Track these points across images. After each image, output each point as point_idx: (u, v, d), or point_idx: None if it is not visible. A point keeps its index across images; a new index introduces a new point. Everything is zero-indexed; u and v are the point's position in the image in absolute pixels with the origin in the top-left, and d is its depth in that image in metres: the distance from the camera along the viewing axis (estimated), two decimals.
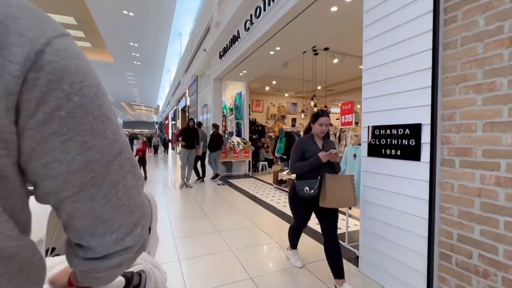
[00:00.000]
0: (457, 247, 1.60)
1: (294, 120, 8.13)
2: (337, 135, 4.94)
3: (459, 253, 1.59)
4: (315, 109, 5.73)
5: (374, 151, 2.13)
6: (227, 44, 5.91)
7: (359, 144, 2.71)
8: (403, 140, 1.88)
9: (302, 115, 6.72)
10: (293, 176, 5.45)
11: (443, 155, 1.68)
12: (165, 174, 8.16)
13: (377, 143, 2.11)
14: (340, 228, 3.22)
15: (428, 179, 1.71)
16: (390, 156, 1.99)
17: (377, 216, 2.10)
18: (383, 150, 2.05)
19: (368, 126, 2.19)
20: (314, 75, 6.24)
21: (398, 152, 1.92)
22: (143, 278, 0.62)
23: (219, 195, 5.13)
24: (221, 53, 6.39)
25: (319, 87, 8.60)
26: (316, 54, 5.72)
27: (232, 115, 8.48)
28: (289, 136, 6.26)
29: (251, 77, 7.46)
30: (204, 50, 7.38)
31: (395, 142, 1.95)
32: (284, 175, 5.57)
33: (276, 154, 6.67)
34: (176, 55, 14.41)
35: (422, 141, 1.76)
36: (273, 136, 10.15)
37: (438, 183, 1.70)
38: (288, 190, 5.21)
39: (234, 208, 4.26)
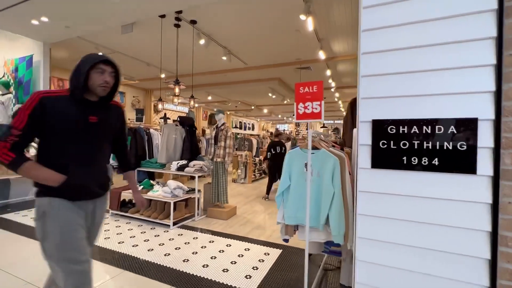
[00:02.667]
0: None
1: (140, 112, 5.86)
2: (214, 134, 3.85)
3: None
4: (175, 100, 4.24)
5: (385, 160, 1.35)
6: None
7: (315, 148, 1.86)
8: (445, 143, 1.24)
9: (159, 106, 4.75)
10: (156, 193, 3.72)
11: (505, 164, 1.19)
12: None
13: (391, 147, 1.34)
14: (248, 278, 2.19)
15: (490, 200, 1.17)
16: (419, 168, 1.28)
17: (393, 261, 1.34)
18: (404, 158, 1.31)
19: (373, 121, 1.38)
20: (177, 52, 4.67)
21: (435, 162, 1.26)
22: None
23: None
24: None
25: (163, 75, 6.99)
26: (178, 26, 4.26)
27: (10, 95, 4.77)
28: (136, 134, 4.26)
29: (57, 35, 4.49)
30: None
31: (428, 146, 1.27)
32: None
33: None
34: None
35: (479, 144, 1.19)
36: None
37: (499, 206, 1.19)
38: (146, 218, 3.25)
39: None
